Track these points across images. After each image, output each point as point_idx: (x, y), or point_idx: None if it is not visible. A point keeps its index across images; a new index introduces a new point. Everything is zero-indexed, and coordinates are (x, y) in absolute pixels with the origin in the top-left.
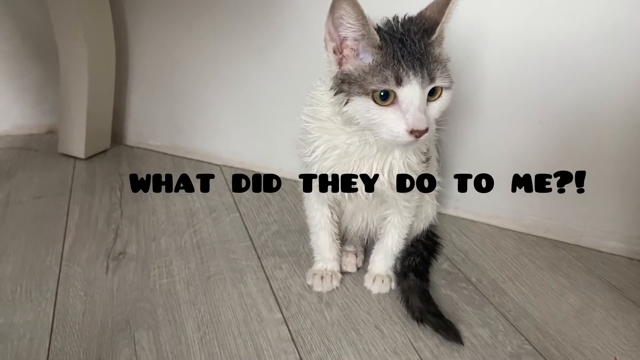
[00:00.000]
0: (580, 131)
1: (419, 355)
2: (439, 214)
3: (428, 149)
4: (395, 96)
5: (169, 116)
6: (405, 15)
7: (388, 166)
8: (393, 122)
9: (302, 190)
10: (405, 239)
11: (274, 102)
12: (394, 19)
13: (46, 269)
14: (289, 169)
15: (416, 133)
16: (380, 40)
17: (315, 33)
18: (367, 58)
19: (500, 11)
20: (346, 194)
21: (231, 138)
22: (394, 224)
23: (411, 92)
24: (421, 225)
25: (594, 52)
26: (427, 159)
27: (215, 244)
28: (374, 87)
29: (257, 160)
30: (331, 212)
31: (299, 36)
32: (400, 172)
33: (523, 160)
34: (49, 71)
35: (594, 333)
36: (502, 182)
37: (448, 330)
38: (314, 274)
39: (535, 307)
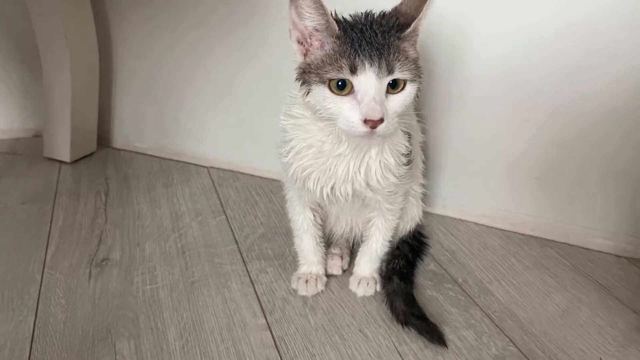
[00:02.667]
0: (567, 129)
1: (402, 359)
2: (427, 213)
3: (410, 152)
4: (352, 86)
5: (155, 118)
6: (381, 11)
7: (365, 166)
8: (348, 111)
9: (284, 194)
10: (390, 241)
11: (260, 103)
12: (365, 13)
13: (28, 276)
14: (276, 170)
15: (370, 123)
16: (340, 30)
17: None
18: (327, 48)
19: (486, 8)
20: (326, 197)
21: (218, 139)
22: (378, 227)
23: (366, 81)
24: (407, 227)
25: (580, 49)
26: (409, 162)
27: (201, 248)
28: (329, 76)
29: (244, 161)
30: (314, 215)
31: (285, 36)
32: (377, 174)
33: (510, 158)
34: (33, 74)
35: (580, 333)
36: (489, 181)
37: (432, 333)
38: (299, 278)
39: (521, 307)
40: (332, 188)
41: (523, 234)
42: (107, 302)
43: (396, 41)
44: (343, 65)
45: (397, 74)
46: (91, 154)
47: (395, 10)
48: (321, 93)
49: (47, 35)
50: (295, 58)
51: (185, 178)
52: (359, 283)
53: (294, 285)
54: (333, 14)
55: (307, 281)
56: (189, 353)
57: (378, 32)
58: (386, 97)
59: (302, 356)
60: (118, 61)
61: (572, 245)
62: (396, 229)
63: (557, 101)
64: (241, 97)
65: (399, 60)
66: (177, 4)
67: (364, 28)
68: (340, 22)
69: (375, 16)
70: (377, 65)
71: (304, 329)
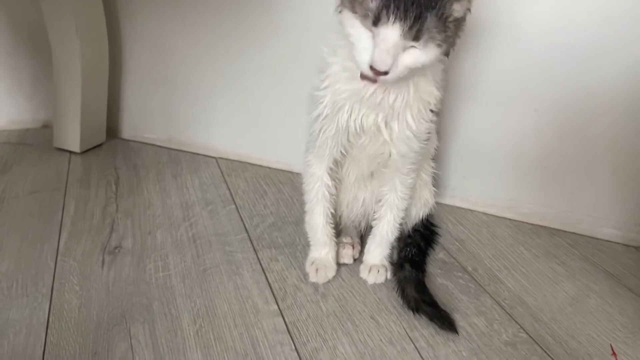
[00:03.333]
0: (576, 119)
1: (414, 345)
2: (436, 203)
3: (438, 108)
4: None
5: (164, 109)
6: None
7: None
8: (363, 48)
9: (303, 163)
10: (401, 224)
11: (269, 93)
12: None
13: (42, 264)
14: (285, 161)
15: (374, 71)
16: None
17: (311, 22)
18: None
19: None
20: (353, 130)
21: (227, 130)
22: (390, 204)
23: (386, 34)
24: (420, 213)
25: (589, 39)
26: (437, 114)
27: (211, 237)
28: (356, 11)
29: (253, 152)
30: (330, 183)
31: (294, 26)
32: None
33: (519, 147)
34: (43, 65)
35: (590, 320)
36: (499, 170)
37: (443, 320)
38: (312, 263)
39: (531, 295)
40: (361, 118)
41: (532, 224)
42: (120, 288)
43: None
44: (369, 11)
45: (425, 40)
46: (100, 145)
47: None
48: (348, 17)
49: (58, 26)
50: None
51: (194, 168)
52: (369, 271)
53: (307, 269)
54: None
55: (317, 270)
56: (203, 338)
57: None
58: (404, 49)
59: (314, 341)
60: (127, 52)
61: (580, 234)
62: (407, 211)
63: (566, 91)
64: (250, 88)
65: (435, 28)
66: None
67: None
68: None
69: None
70: (406, 25)
71: (316, 315)
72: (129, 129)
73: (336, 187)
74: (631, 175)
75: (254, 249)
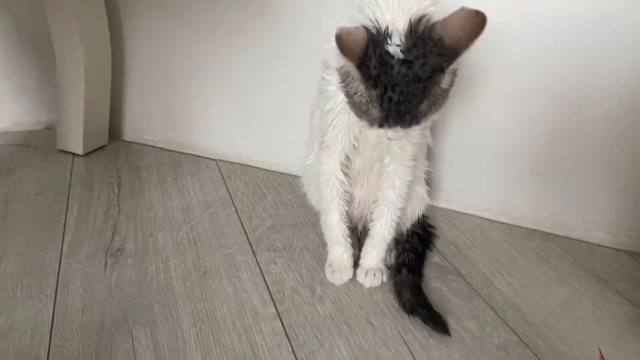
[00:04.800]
0: (569, 125)
1: (408, 348)
2: (431, 207)
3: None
4: None
5: (165, 111)
6: (423, 28)
7: None
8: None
9: (317, 163)
10: (398, 223)
11: (270, 96)
12: (407, 32)
13: (46, 266)
14: (284, 164)
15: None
16: (367, 79)
17: (310, 28)
18: (361, 89)
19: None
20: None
21: (227, 133)
22: (388, 202)
23: (391, 131)
24: (416, 211)
25: (581, 45)
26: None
27: (212, 240)
28: (365, 119)
29: (253, 154)
30: (343, 179)
31: (295, 31)
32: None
33: (513, 152)
34: (47, 68)
35: (580, 324)
36: (493, 175)
37: (436, 322)
38: (329, 265)
39: (523, 299)
40: None
41: (525, 228)
42: (122, 290)
43: (432, 86)
44: (372, 117)
45: (423, 123)
46: (103, 147)
47: (438, 34)
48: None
49: (62, 30)
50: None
51: (195, 170)
52: (366, 274)
53: (325, 270)
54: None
55: (333, 272)
56: (203, 340)
57: (411, 76)
58: None
59: (311, 344)
60: (130, 55)
61: (573, 239)
62: (403, 210)
63: (560, 98)
64: (251, 90)
65: (429, 110)
66: (189, 1)
67: (397, 72)
68: (370, 65)
69: (412, 44)
70: (405, 122)
71: (313, 318)
72: (131, 131)
73: (350, 184)
74: (623, 180)
75: (253, 252)
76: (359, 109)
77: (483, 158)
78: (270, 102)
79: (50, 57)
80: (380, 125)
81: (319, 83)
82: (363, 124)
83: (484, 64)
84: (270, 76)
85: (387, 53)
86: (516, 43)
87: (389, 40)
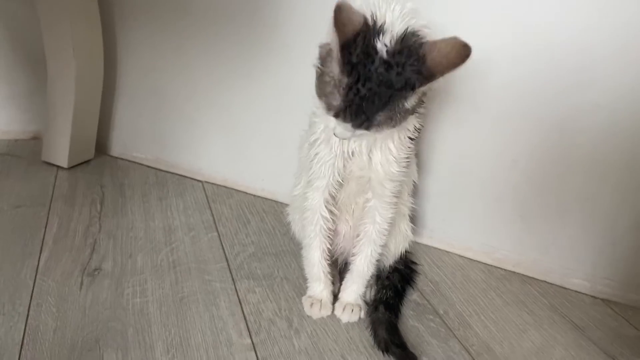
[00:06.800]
0: (552, 171)
1: None
2: (414, 242)
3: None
4: None
5: (154, 130)
6: (412, 42)
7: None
8: (329, 119)
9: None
10: (378, 260)
11: (258, 122)
12: (400, 38)
13: (21, 282)
14: (270, 189)
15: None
16: (345, 65)
17: (301, 60)
18: (335, 70)
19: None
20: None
21: (215, 155)
22: (369, 237)
23: (342, 124)
24: (400, 247)
25: (567, 96)
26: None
27: (191, 264)
28: (324, 102)
29: (239, 179)
30: (327, 216)
31: (287, 62)
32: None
33: (496, 195)
34: (38, 78)
35: None
36: (477, 215)
37: None
38: (308, 297)
39: (498, 342)
40: (350, 143)
41: (505, 270)
42: (97, 312)
43: (398, 99)
44: (332, 103)
45: (375, 129)
46: (88, 161)
47: (424, 52)
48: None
49: (55, 43)
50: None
51: (180, 191)
52: (343, 309)
53: (303, 302)
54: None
55: (312, 304)
56: None
57: (385, 79)
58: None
59: None
60: (122, 71)
61: (551, 283)
62: (385, 247)
63: (543, 144)
64: (239, 116)
65: (382, 124)
66: (184, 22)
67: (374, 68)
68: (353, 51)
69: (399, 50)
70: (357, 122)
71: (288, 352)
72: (118, 147)
73: (334, 221)
74: (601, 230)
75: (233, 279)
76: (323, 90)
77: (467, 199)
78: (259, 128)
79: (42, 68)
80: (336, 115)
81: (309, 116)
82: (321, 104)
83: (469, 108)
84: (260, 103)
85: (374, 47)
86: (496, 88)
87: (380, 37)
